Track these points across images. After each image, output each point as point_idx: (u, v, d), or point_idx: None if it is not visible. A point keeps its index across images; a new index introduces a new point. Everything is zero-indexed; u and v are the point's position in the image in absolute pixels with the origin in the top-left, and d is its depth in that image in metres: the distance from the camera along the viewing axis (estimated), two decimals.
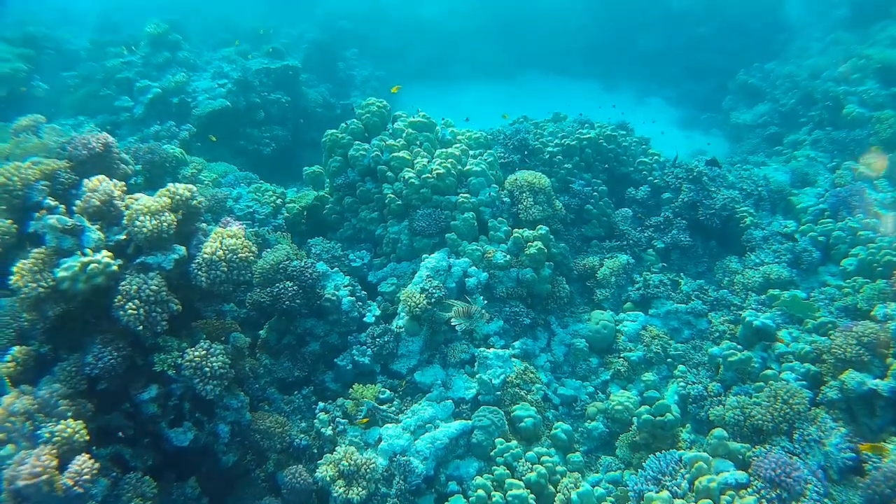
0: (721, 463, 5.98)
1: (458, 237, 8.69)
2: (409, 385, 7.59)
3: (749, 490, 5.63)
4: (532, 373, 7.80)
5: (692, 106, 20.95)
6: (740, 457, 6.16)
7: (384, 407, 7.14)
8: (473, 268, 8.38)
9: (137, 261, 5.72)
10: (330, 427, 6.75)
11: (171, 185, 6.17)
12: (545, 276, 8.65)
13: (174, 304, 5.65)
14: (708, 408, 7.40)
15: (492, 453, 6.75)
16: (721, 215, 10.27)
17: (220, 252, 5.93)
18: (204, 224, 6.52)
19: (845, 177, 11.83)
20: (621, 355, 8.41)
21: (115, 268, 5.48)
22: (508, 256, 8.57)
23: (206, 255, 5.91)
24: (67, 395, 5.19)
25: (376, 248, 9.31)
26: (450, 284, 8.14)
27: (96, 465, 4.76)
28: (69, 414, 5.00)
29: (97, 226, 5.76)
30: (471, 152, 9.95)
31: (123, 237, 5.82)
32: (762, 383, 7.42)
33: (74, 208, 5.85)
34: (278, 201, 9.78)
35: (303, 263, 7.66)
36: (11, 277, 5.29)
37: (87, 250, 5.51)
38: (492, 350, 7.82)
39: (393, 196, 9.05)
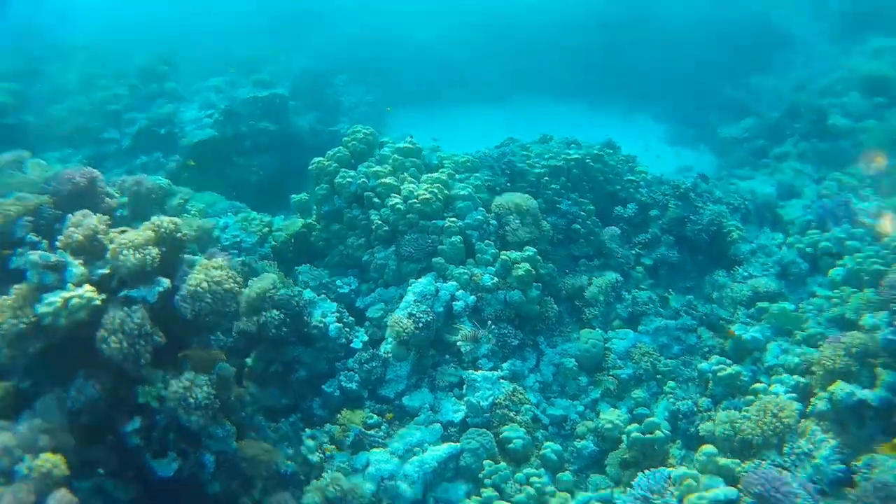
0: (710, 480, 5.96)
1: (446, 261, 8.72)
2: (397, 409, 7.58)
3: None
4: (521, 394, 7.78)
5: (679, 122, 21.06)
6: (730, 473, 6.13)
7: (372, 432, 7.12)
8: (461, 291, 8.40)
9: (121, 294, 5.73)
10: (317, 453, 6.73)
11: (155, 218, 6.20)
12: (533, 297, 8.66)
13: (158, 336, 5.65)
14: (698, 423, 7.38)
15: (480, 475, 6.72)
16: (709, 230, 10.33)
17: (205, 284, 5.95)
18: (189, 255, 6.54)
19: (831, 188, 11.92)
20: (611, 373, 8.39)
21: (98, 302, 5.49)
22: (496, 279, 8.59)
23: (190, 287, 5.92)
24: (48, 430, 5.16)
25: (364, 275, 9.33)
26: (437, 309, 8.15)
27: (75, 500, 4.72)
28: (49, 448, 4.97)
29: (80, 260, 5.78)
30: (457, 176, 10.01)
31: (107, 271, 5.83)
32: (752, 397, 7.42)
33: (57, 243, 5.87)
34: (265, 230, 9.82)
35: (290, 291, 7.68)
36: None
37: (70, 285, 5.52)
38: (480, 372, 7.82)
39: (380, 222, 9.09)
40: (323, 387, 7.58)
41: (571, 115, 19.33)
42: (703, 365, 8.13)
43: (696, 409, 7.61)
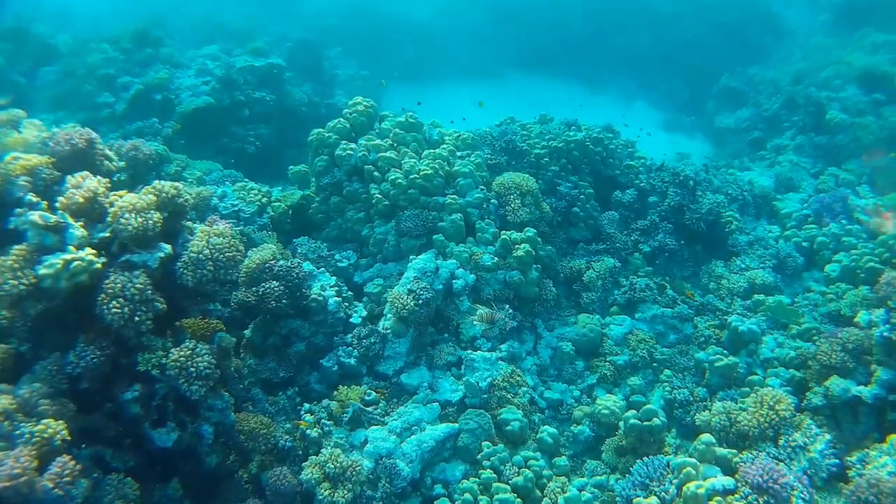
0: (708, 468, 5.98)
1: (446, 238, 8.65)
2: (395, 387, 7.55)
3: (736, 496, 5.64)
4: (518, 376, 7.78)
5: (676, 109, 21.09)
6: (727, 463, 6.16)
7: (370, 409, 7.08)
8: (461, 269, 8.34)
9: (122, 259, 5.60)
10: (315, 429, 6.68)
11: (156, 182, 6.06)
12: (532, 278, 8.63)
13: (159, 303, 5.55)
14: (693, 413, 7.43)
15: (478, 456, 6.73)
16: (707, 220, 10.33)
17: (207, 251, 5.84)
18: (190, 222, 6.42)
19: (828, 182, 11.97)
20: (607, 359, 8.42)
21: (98, 266, 5.36)
22: (496, 258, 8.55)
23: (192, 254, 5.81)
24: (48, 395, 5.06)
25: (362, 249, 9.25)
26: (437, 286, 8.10)
27: (78, 466, 4.65)
28: (50, 414, 4.88)
29: (80, 223, 5.63)
30: (458, 153, 9.91)
31: (107, 235, 5.70)
32: (748, 389, 7.49)
33: (57, 205, 5.71)
34: (263, 200, 9.68)
35: (289, 263, 7.57)
36: None
37: (71, 248, 5.39)
38: (478, 353, 7.80)
39: (380, 196, 8.99)
40: (321, 361, 7.51)
41: (569, 97, 19.21)
42: (700, 354, 8.17)
43: (692, 398, 7.66)
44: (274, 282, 7.37)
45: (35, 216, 5.44)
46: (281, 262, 7.54)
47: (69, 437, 4.77)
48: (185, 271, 5.83)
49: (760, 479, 5.62)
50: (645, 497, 5.72)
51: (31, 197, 5.89)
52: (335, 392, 7.16)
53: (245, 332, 7.62)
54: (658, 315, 9.02)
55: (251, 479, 6.33)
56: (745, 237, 10.37)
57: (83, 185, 5.83)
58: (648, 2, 23.24)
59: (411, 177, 8.90)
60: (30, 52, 14.89)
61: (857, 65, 15.06)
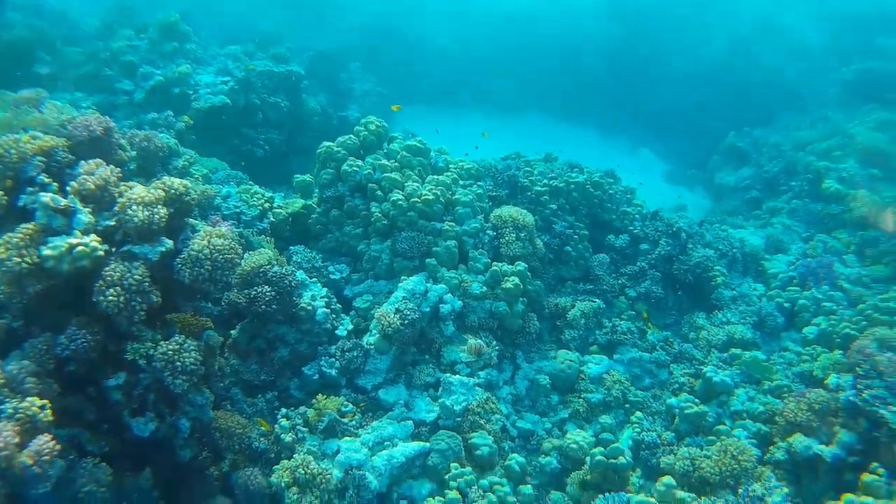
0: None
1: (439, 263, 8.87)
2: (372, 401, 7.72)
3: None
4: (493, 403, 7.95)
5: (680, 161, 21.47)
6: None
7: (345, 420, 7.24)
8: (449, 295, 8.55)
9: (124, 249, 5.81)
10: (290, 434, 6.84)
11: (166, 178, 6.28)
12: (518, 311, 8.84)
13: (155, 295, 5.73)
14: (660, 455, 7.60)
15: (446, 477, 6.88)
16: (695, 272, 10.57)
17: (207, 251, 6.04)
18: (192, 220, 6.62)
19: (817, 248, 12.23)
20: (582, 395, 8.60)
21: (101, 253, 5.55)
22: (485, 288, 8.76)
23: (192, 252, 6.01)
24: (35, 373, 5.20)
25: (356, 264, 9.47)
26: (424, 308, 8.30)
27: (57, 446, 4.79)
28: (35, 392, 5.02)
29: (89, 209, 5.84)
30: (461, 182, 10.17)
31: (113, 223, 5.90)
32: (714, 437, 7.67)
33: (68, 189, 5.92)
34: (266, 205, 9.90)
35: (283, 270, 7.78)
36: None
37: (77, 232, 5.59)
38: (457, 377, 7.98)
39: (380, 215, 9.22)
40: (303, 369, 7.69)
41: (579, 140, 19.57)
42: (672, 400, 8.36)
43: (659, 441, 7.83)
44: (266, 286, 7.57)
45: (46, 198, 5.64)
46: (275, 269, 7.74)
47: (53, 417, 4.92)
48: (184, 268, 6.02)
49: None
50: None
51: (44, 178, 6.11)
52: (313, 400, 7.32)
53: (232, 332, 7.80)
54: (636, 358, 9.23)
55: (221, 476, 6.45)
56: (729, 292, 10.60)
57: (96, 172, 6.04)
58: (668, 58, 23.77)
59: (412, 200, 9.15)
60: (57, 31, 15.14)
61: (858, 139, 15.42)
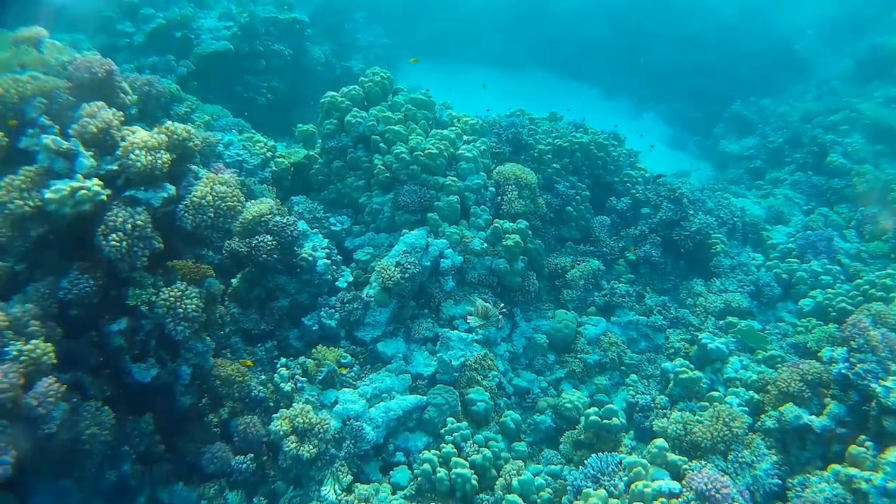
0: (658, 471, 6.26)
1: (440, 218, 8.85)
2: (371, 354, 7.77)
3: (680, 500, 5.91)
4: (490, 360, 8.02)
5: (684, 127, 21.29)
6: (676, 468, 6.45)
7: (344, 371, 7.31)
8: (450, 250, 8.55)
9: (126, 193, 5.75)
10: (289, 383, 6.90)
11: (168, 123, 6.18)
12: (518, 269, 8.85)
13: (157, 241, 5.70)
14: (652, 418, 7.70)
15: (442, 430, 6.98)
16: (695, 238, 10.57)
17: (210, 197, 5.99)
18: (195, 167, 6.55)
19: (817, 221, 12.23)
20: (578, 356, 8.68)
21: (103, 197, 5.50)
22: (485, 244, 8.76)
23: (195, 199, 5.96)
24: (38, 317, 5.20)
25: (357, 216, 9.43)
26: (424, 262, 8.30)
27: (62, 388, 4.83)
28: (39, 335, 5.03)
29: (91, 153, 5.76)
30: (465, 137, 10.07)
31: (115, 168, 5.82)
32: (707, 403, 7.76)
33: (70, 131, 5.83)
34: (268, 154, 9.81)
35: (284, 220, 7.75)
36: None
37: (79, 176, 5.53)
38: (455, 332, 8.03)
39: (382, 167, 9.15)
40: (303, 319, 7.72)
41: (583, 100, 19.35)
42: (667, 365, 8.44)
43: (653, 404, 7.93)
44: (267, 236, 7.55)
45: (48, 140, 5.57)
46: (277, 218, 7.71)
47: (55, 361, 4.94)
48: (186, 214, 5.97)
49: (704, 487, 5.89)
50: (594, 489, 5.99)
51: (45, 119, 6.01)
52: (313, 350, 7.38)
53: (232, 280, 7.81)
54: (633, 322, 9.29)
55: (220, 423, 6.55)
56: (728, 261, 10.62)
57: (98, 115, 5.94)
58: (677, 18, 23.34)
59: (416, 153, 9.07)
60: None
61: (866, 114, 15.28)
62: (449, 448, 6.66)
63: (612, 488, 6.00)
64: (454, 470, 6.38)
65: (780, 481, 6.78)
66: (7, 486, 4.67)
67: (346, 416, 6.71)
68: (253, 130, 10.68)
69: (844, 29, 20.67)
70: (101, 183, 5.58)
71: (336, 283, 8.16)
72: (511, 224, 9.01)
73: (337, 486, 6.32)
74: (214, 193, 6.09)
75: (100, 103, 6.11)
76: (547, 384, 8.37)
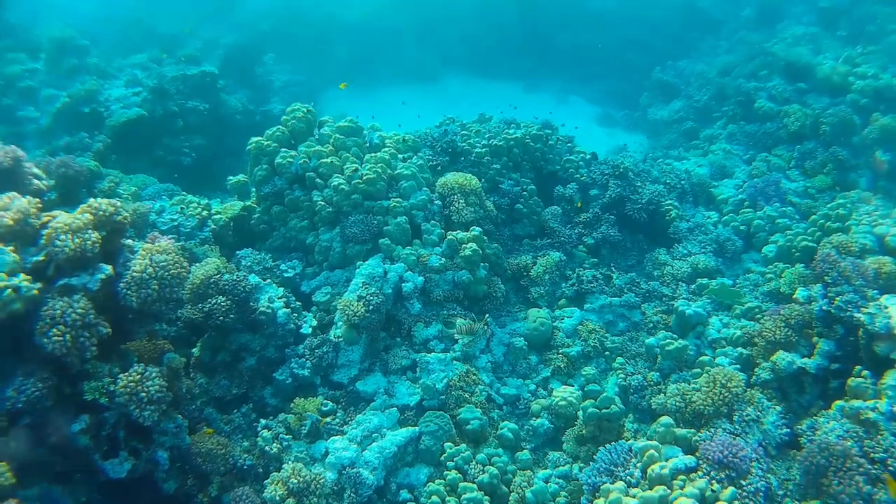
0: (670, 449, 6.10)
1: (392, 242, 8.59)
2: (352, 395, 7.45)
3: (699, 473, 5.77)
4: (474, 374, 7.78)
5: (611, 104, 21.54)
6: (687, 442, 6.31)
7: (328, 419, 6.97)
8: (409, 272, 8.30)
9: (60, 283, 5.36)
10: (274, 444, 6.52)
11: (92, 200, 5.82)
12: (481, 276, 8.65)
13: (103, 327, 5.32)
14: (649, 397, 7.57)
15: (441, 458, 6.70)
16: (648, 209, 10.54)
17: (150, 270, 5.64)
18: (129, 240, 6.18)
19: (760, 168, 12.39)
20: (560, 351, 8.49)
21: (35, 292, 5.11)
22: (443, 259, 8.53)
23: (135, 274, 5.60)
24: None
25: (308, 258, 9.11)
26: (386, 290, 8.03)
27: None
28: None
29: (11, 247, 5.36)
30: (400, 155, 9.86)
31: (42, 258, 5.44)
32: (699, 370, 7.66)
33: None
34: (203, 213, 9.41)
35: (234, 277, 7.39)
36: None
37: (2, 275, 5.11)
38: (432, 354, 7.78)
39: (323, 203, 8.87)
40: (274, 374, 7.36)
41: (506, 96, 19.36)
42: (650, 340, 8.33)
43: (645, 382, 7.79)
44: (220, 297, 7.18)
45: None
46: (226, 277, 7.35)
47: (14, 480, 4.52)
48: (129, 292, 5.61)
49: (720, 455, 5.78)
50: (612, 483, 5.79)
51: None
52: (291, 405, 7.03)
53: (193, 350, 7.41)
54: (606, 305, 9.16)
55: (211, 501, 6.14)
56: (685, 224, 10.63)
57: (11, 206, 5.56)
58: (582, 2, 23.66)
59: (354, 182, 8.81)
60: None
61: (780, 56, 15.69)
62: (453, 474, 6.38)
63: (628, 477, 5.80)
64: (464, 496, 6.12)
65: (789, 430, 6.73)
66: None
67: (340, 466, 6.36)
68: (184, 193, 10.27)
69: None
70: (28, 277, 5.19)
71: (301, 331, 7.82)
72: (465, 233, 8.81)
73: None
74: (155, 264, 5.74)
75: (12, 193, 5.72)
76: (535, 386, 8.15)
